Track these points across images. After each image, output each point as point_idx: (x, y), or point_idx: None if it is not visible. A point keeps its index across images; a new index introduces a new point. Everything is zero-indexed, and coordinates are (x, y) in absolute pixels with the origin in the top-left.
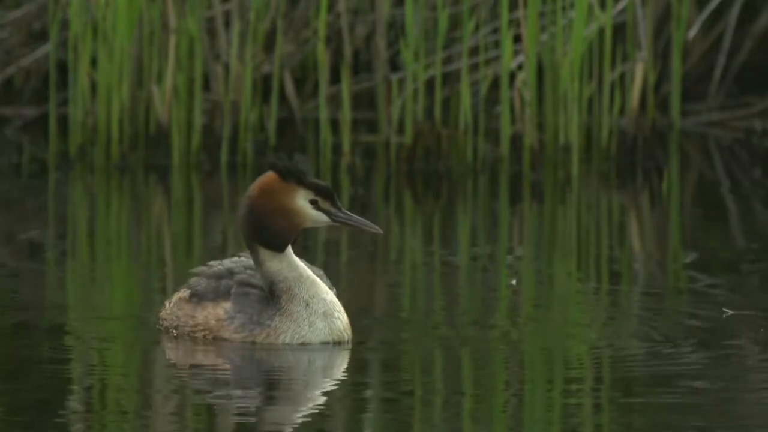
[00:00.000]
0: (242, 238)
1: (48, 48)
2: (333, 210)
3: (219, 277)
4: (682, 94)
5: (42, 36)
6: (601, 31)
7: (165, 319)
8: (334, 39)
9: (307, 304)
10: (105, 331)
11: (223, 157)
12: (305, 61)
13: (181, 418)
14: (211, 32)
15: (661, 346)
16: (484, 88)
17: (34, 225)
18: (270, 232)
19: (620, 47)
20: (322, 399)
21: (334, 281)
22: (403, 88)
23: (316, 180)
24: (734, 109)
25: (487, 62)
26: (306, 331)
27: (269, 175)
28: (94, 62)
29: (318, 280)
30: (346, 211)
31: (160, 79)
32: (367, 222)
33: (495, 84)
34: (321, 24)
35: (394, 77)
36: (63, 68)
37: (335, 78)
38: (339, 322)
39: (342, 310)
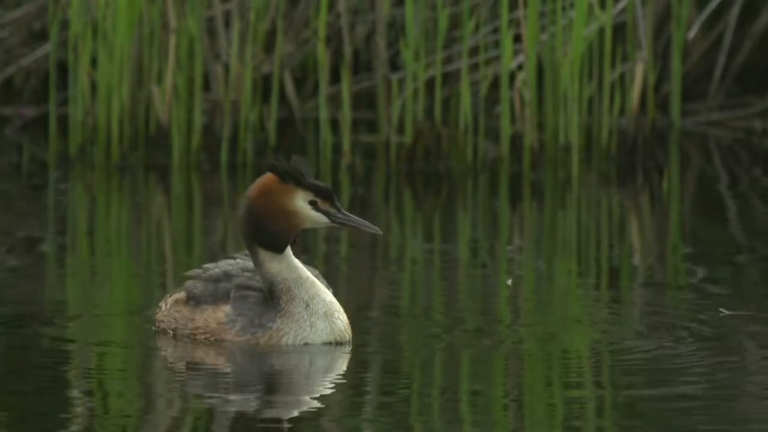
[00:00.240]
0: (241, 239)
1: (48, 48)
2: (332, 211)
3: (216, 280)
4: (682, 93)
5: (42, 36)
6: (601, 31)
7: (162, 321)
8: (334, 39)
9: (308, 305)
10: (104, 331)
11: (223, 156)
12: (305, 61)
13: (181, 418)
14: (211, 32)
15: (661, 346)
16: (484, 88)
17: (34, 225)
18: (269, 233)
19: (620, 47)
20: (323, 400)
21: (333, 281)
22: (403, 88)
23: (316, 181)
24: (734, 109)
25: (487, 62)
26: (308, 331)
27: (268, 177)
28: (94, 62)
29: (317, 281)
30: (345, 212)
31: (160, 79)
32: (366, 222)
33: (495, 84)
34: (321, 24)
35: (394, 77)
36: (63, 68)
37: (335, 78)
38: (339, 322)
39: (341, 310)
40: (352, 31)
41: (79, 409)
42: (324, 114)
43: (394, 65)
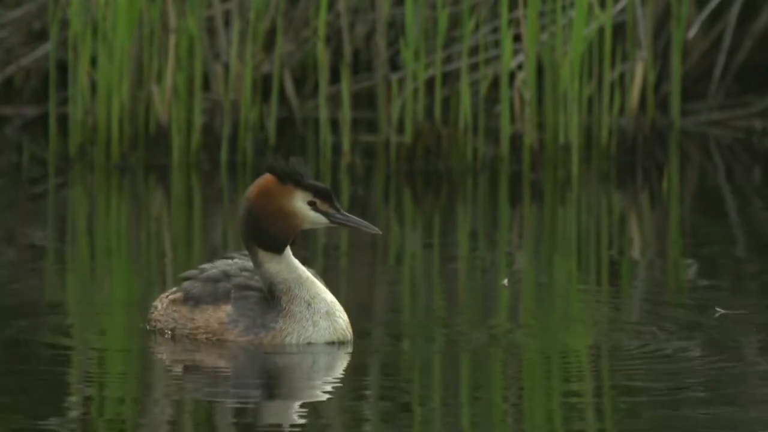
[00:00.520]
0: (241, 239)
1: (48, 48)
2: (331, 211)
3: (215, 280)
4: (682, 93)
5: (42, 36)
6: (601, 31)
7: (158, 321)
8: (334, 38)
9: (309, 305)
10: (104, 331)
11: (223, 156)
12: (305, 61)
13: (182, 418)
14: (211, 32)
15: (661, 346)
16: (483, 88)
17: (34, 224)
18: (268, 234)
19: (620, 47)
20: (323, 400)
21: (333, 281)
22: (403, 88)
23: (315, 181)
24: (734, 109)
25: (487, 62)
26: (311, 331)
27: (267, 178)
28: (94, 62)
29: (317, 280)
30: (344, 212)
31: (160, 78)
32: (366, 223)
33: (495, 83)
34: (321, 23)
35: (394, 77)
36: (63, 68)
37: (335, 77)
38: (341, 321)
39: (342, 309)
40: (352, 31)
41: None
42: (324, 114)
43: (394, 65)
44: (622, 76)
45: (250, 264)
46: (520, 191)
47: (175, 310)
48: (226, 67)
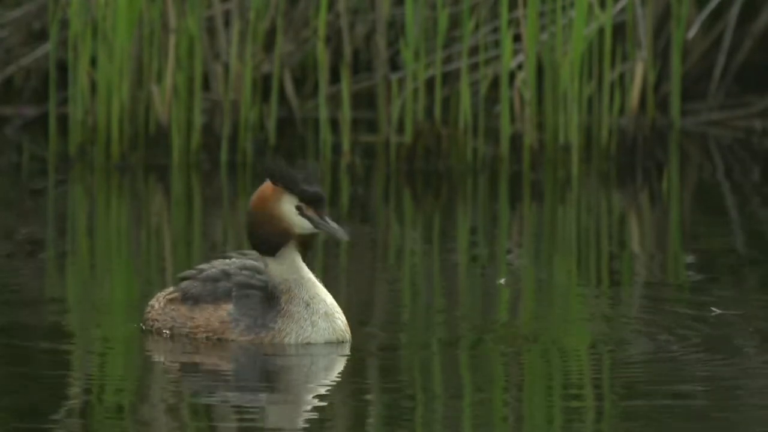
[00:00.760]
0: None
1: (48, 47)
2: (315, 217)
3: (215, 279)
4: (682, 93)
5: (42, 36)
6: (601, 31)
7: (156, 320)
8: (333, 38)
9: (308, 305)
10: (104, 330)
11: (223, 156)
12: (305, 61)
13: (181, 418)
14: (211, 32)
15: (660, 346)
16: (483, 88)
17: (34, 224)
18: (257, 236)
19: (620, 47)
20: (323, 401)
21: (333, 282)
22: (403, 88)
23: (307, 187)
24: (734, 109)
25: (487, 62)
26: (309, 331)
27: (268, 183)
28: (94, 62)
29: (317, 282)
30: (327, 219)
31: (160, 78)
32: (336, 227)
33: (495, 83)
34: (321, 23)
35: (394, 77)
36: (63, 68)
37: (335, 77)
38: (340, 322)
39: (341, 311)
40: (352, 31)
41: (79, 409)
42: (324, 114)
43: (394, 65)
44: (622, 76)
45: (249, 262)
46: (520, 191)
47: (173, 309)
48: (226, 67)
